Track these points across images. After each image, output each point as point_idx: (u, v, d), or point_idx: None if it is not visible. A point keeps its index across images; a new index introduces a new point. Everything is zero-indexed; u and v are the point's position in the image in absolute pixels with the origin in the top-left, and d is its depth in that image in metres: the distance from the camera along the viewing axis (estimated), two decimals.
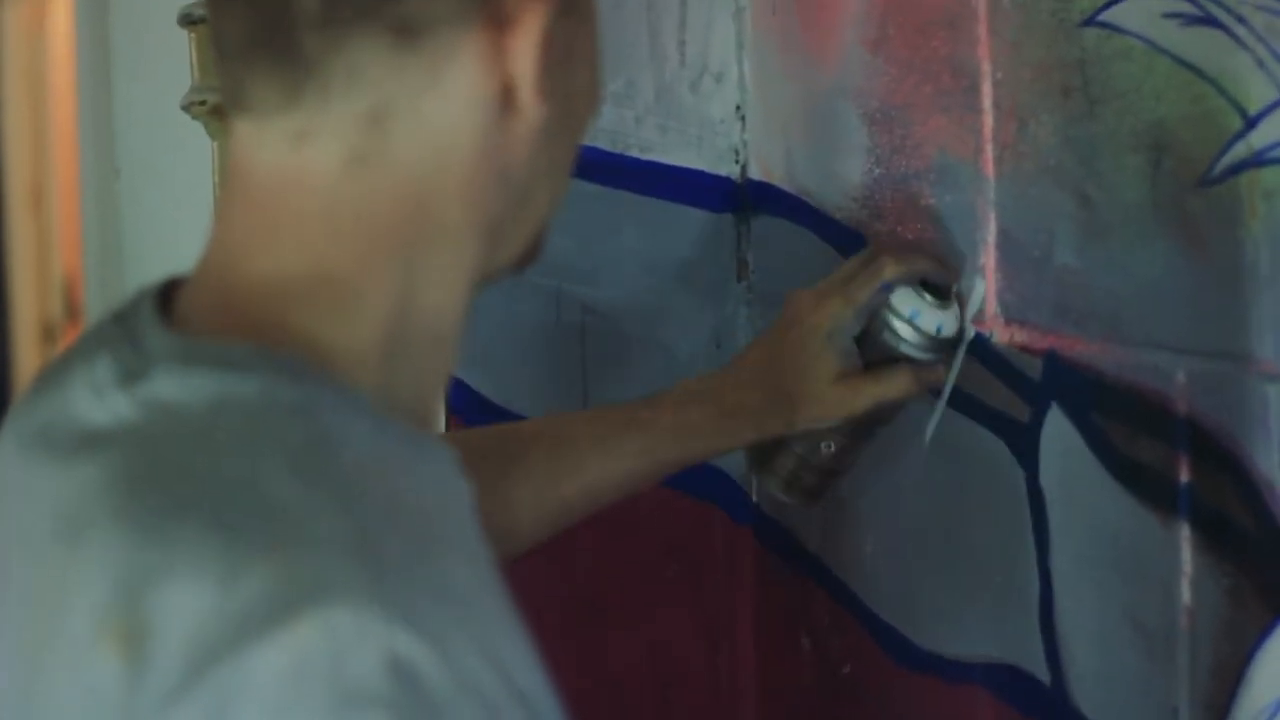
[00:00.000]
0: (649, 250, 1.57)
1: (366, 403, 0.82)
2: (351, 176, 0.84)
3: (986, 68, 1.23)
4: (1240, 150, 1.01)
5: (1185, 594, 1.07)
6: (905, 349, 1.28)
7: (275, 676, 0.71)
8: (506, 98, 0.85)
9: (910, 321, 1.27)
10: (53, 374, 0.88)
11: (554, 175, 0.91)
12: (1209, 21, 1.02)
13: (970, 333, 1.27)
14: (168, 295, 0.87)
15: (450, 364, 0.90)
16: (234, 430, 0.79)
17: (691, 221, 1.56)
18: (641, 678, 1.64)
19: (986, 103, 1.23)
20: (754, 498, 1.59)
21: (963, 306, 1.28)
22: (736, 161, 1.55)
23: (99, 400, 0.82)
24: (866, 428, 1.32)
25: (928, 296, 1.27)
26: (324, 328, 0.83)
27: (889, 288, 1.28)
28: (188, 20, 1.85)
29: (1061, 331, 1.17)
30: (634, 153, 1.59)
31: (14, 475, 0.86)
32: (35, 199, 4.91)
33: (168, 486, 0.78)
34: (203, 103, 1.81)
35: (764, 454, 1.35)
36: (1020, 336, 1.22)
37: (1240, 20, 1.00)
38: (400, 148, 0.84)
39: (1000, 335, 1.24)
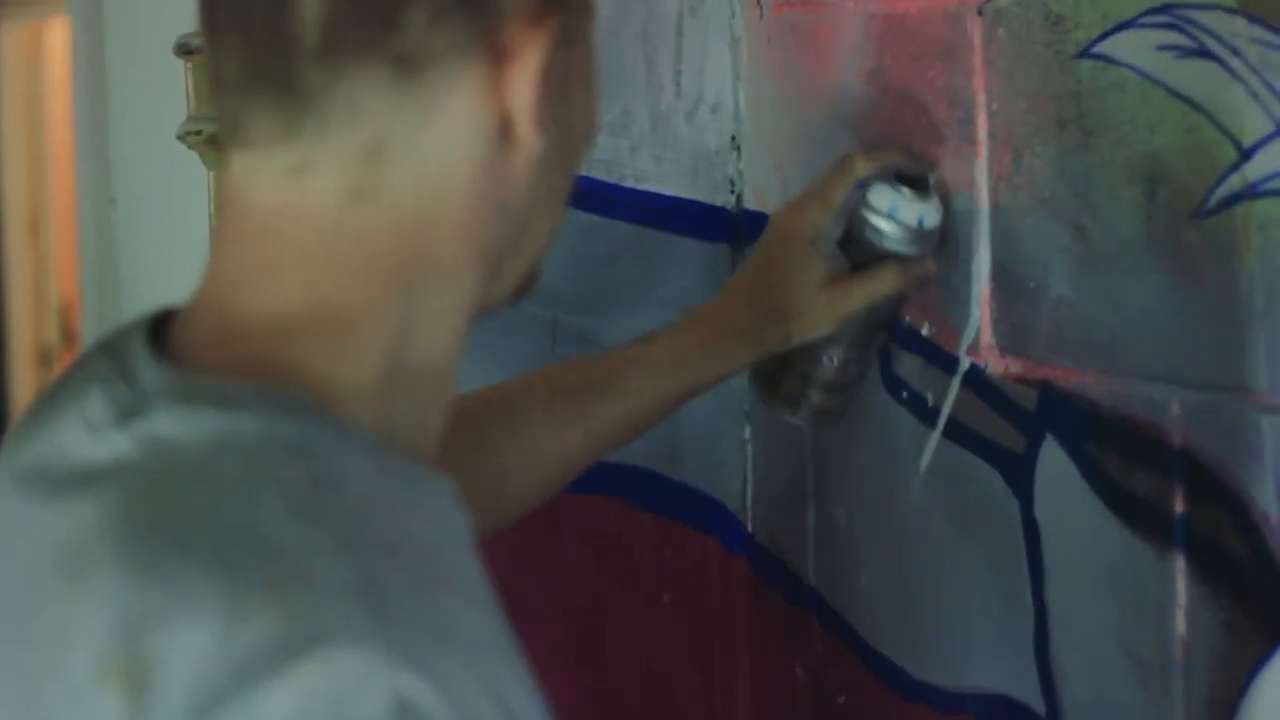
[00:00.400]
0: (644, 280, 1.57)
1: (367, 438, 0.82)
2: (350, 210, 0.83)
3: (982, 99, 1.23)
4: (1235, 182, 1.01)
5: (1180, 625, 1.07)
6: (889, 244, 1.27)
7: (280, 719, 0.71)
8: (505, 130, 0.85)
9: (890, 216, 1.26)
10: (43, 409, 0.87)
11: (551, 206, 0.91)
12: (1203, 54, 1.03)
13: (965, 362, 1.27)
14: (158, 327, 0.87)
15: (449, 395, 0.90)
16: (234, 469, 0.79)
17: (687, 252, 1.57)
18: (637, 707, 1.63)
19: (981, 134, 1.23)
20: (749, 527, 1.59)
21: (944, 197, 1.27)
22: (732, 192, 1.55)
23: (95, 437, 0.82)
24: (866, 335, 1.31)
25: (904, 190, 1.26)
26: (323, 363, 0.83)
27: (864, 185, 1.27)
28: (184, 50, 1.85)
29: (1056, 363, 1.17)
30: (629, 183, 1.59)
31: (9, 513, 0.86)
32: (32, 227, 4.91)
33: (168, 525, 0.78)
34: (199, 132, 1.81)
35: (769, 381, 1.34)
36: (1015, 367, 1.22)
37: (1235, 53, 1.00)
38: (399, 180, 0.84)
39: (995, 366, 1.24)
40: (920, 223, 1.26)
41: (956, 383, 1.28)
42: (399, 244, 0.84)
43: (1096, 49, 1.11)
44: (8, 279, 4.94)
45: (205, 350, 0.84)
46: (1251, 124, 1.00)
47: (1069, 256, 1.15)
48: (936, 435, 1.30)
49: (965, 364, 1.27)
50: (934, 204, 1.26)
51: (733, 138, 1.55)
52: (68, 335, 4.73)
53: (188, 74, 1.89)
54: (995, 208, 1.22)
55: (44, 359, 4.88)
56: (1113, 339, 1.12)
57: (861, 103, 1.36)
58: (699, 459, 1.60)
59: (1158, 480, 1.08)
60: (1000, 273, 1.23)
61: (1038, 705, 1.20)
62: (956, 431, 1.28)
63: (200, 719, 0.71)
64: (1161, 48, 1.06)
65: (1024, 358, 1.21)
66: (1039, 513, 1.20)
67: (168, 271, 2.55)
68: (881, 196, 1.26)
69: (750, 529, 1.59)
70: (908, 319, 1.32)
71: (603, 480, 1.62)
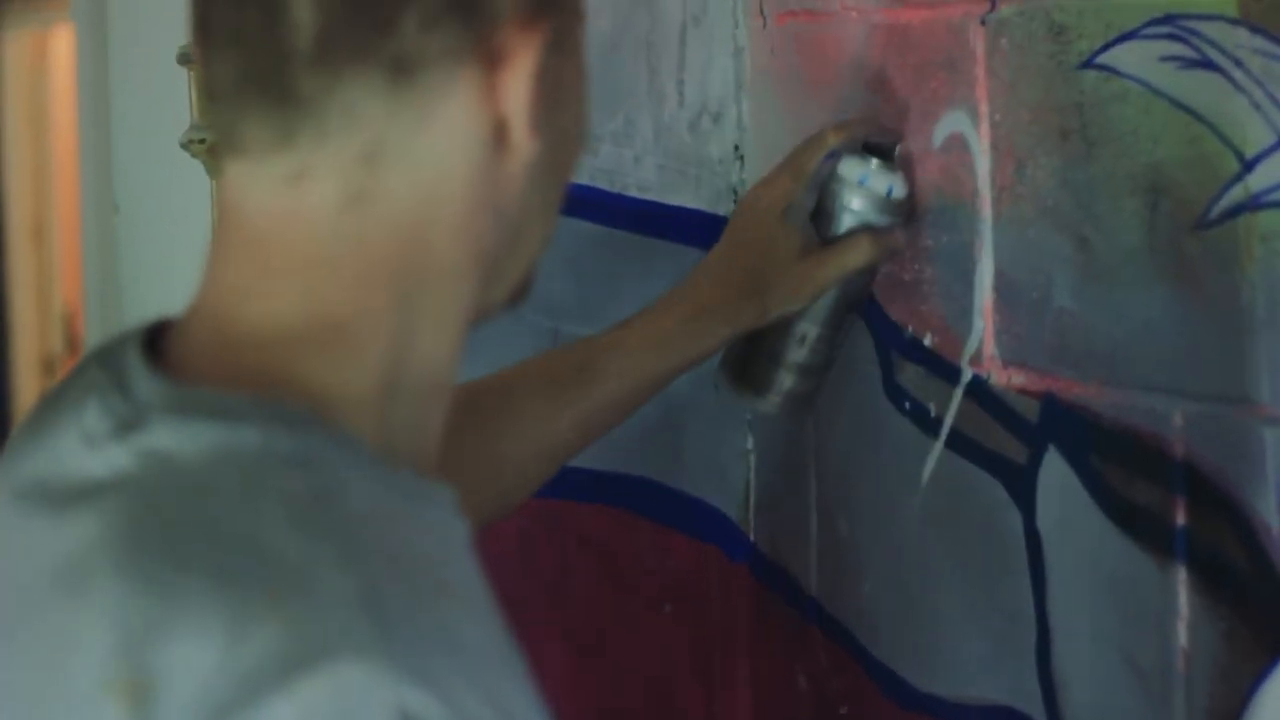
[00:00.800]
0: (646, 290, 1.57)
1: (366, 449, 0.82)
2: (348, 216, 0.83)
3: (984, 109, 1.23)
4: (1237, 193, 1.01)
5: (1182, 637, 1.07)
6: (859, 214, 1.29)
7: None
8: (499, 134, 0.85)
9: (860, 186, 1.28)
10: (41, 421, 0.87)
11: (546, 211, 0.92)
12: (1206, 65, 1.03)
13: (968, 373, 1.27)
14: (154, 338, 0.87)
15: (447, 403, 0.90)
16: (233, 482, 0.79)
17: (689, 261, 1.56)
18: (640, 716, 1.63)
19: (984, 144, 1.23)
20: (751, 537, 1.59)
21: (909, 169, 1.28)
22: (735, 201, 1.55)
23: (93, 451, 0.81)
24: (837, 313, 1.32)
25: (873, 160, 1.28)
26: (322, 373, 0.83)
27: (834, 155, 1.28)
28: (187, 59, 1.86)
29: (1059, 374, 1.17)
30: (632, 192, 1.59)
31: (8, 526, 0.85)
32: (36, 234, 4.93)
33: (168, 539, 0.77)
34: (201, 140, 1.82)
35: (737, 364, 1.35)
36: (1018, 379, 1.22)
37: (1238, 64, 1.00)
38: (395, 185, 0.84)
39: (998, 377, 1.24)
40: (889, 192, 1.28)
41: (959, 393, 1.28)
42: (396, 249, 0.84)
43: (1099, 60, 1.11)
44: (12, 286, 4.95)
45: (203, 360, 0.84)
46: (1254, 135, 1.00)
47: (1071, 267, 1.15)
48: (939, 446, 1.30)
49: (968, 375, 1.27)
50: (901, 175, 1.29)
51: (736, 147, 1.55)
52: (71, 342, 4.74)
53: (190, 82, 1.90)
54: (998, 218, 1.22)
55: (48, 366, 4.89)
56: (1115, 350, 1.12)
57: (865, 112, 1.36)
58: (701, 468, 1.60)
59: (1160, 491, 1.08)
60: (1003, 283, 1.22)
61: (1039, 716, 1.20)
62: (959, 442, 1.28)
63: None
64: (1164, 59, 1.06)
65: (1026, 369, 1.21)
66: (1041, 524, 1.20)
67: (171, 278, 2.55)
68: (852, 167, 1.29)
69: (752, 538, 1.59)
70: (910, 329, 1.32)
71: (605, 490, 1.62)
